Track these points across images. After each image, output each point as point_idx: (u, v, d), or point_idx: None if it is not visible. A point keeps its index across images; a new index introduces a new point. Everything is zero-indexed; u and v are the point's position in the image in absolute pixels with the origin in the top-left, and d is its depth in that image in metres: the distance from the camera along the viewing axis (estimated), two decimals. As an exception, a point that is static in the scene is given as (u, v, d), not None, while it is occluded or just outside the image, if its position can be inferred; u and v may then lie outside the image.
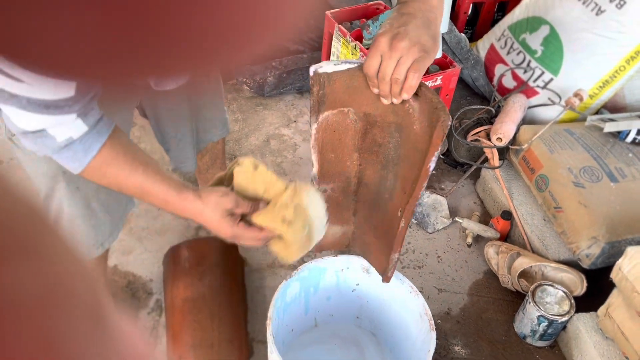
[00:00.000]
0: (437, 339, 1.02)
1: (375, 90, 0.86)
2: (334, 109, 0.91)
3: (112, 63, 0.17)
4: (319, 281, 1.14)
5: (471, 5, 2.10)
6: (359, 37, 1.68)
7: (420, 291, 1.48)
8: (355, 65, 0.86)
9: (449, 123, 0.82)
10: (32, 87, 0.71)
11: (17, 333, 0.16)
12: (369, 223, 1.05)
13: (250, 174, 0.89)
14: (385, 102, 0.87)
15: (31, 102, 0.72)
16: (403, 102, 0.86)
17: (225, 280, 1.32)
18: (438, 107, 0.83)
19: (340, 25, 1.72)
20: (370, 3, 1.82)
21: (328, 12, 1.78)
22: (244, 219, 0.89)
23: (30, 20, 0.15)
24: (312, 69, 0.87)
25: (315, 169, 0.97)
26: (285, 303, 1.07)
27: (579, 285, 1.39)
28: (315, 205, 0.90)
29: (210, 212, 0.86)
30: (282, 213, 0.85)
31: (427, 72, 1.62)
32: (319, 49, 1.96)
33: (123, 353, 0.20)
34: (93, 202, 1.06)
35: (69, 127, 0.78)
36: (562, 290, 1.35)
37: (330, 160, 0.97)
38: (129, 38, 0.16)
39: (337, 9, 1.81)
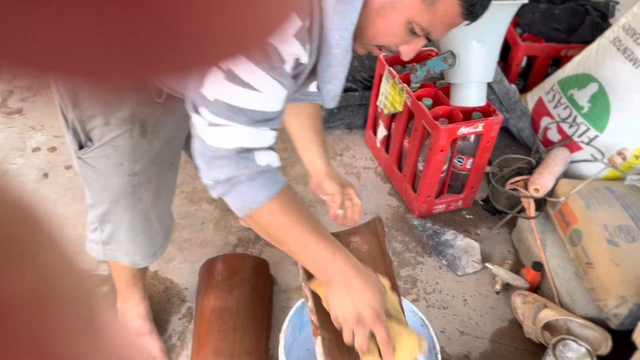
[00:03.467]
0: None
1: None
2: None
3: (111, 62, 0.16)
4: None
5: (525, 58, 2.14)
6: (406, 80, 1.76)
7: (442, 331, 1.51)
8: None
9: (380, 219, 1.06)
10: (262, 96, 0.80)
11: (9, 335, 0.16)
12: None
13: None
14: None
15: (254, 115, 0.81)
16: None
17: (253, 296, 1.39)
18: (369, 223, 1.09)
19: (390, 68, 1.80)
20: (423, 48, 1.90)
21: (381, 55, 1.87)
22: None
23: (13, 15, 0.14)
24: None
25: None
26: (302, 321, 1.13)
27: (604, 344, 1.37)
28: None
29: (379, 282, 0.91)
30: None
31: (470, 118, 1.67)
32: (369, 89, 2.05)
33: (113, 353, 0.21)
34: (151, 213, 1.15)
35: (269, 155, 0.86)
36: (586, 347, 1.33)
37: None
38: (126, 36, 0.16)
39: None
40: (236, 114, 0.80)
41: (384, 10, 0.83)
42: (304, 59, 0.83)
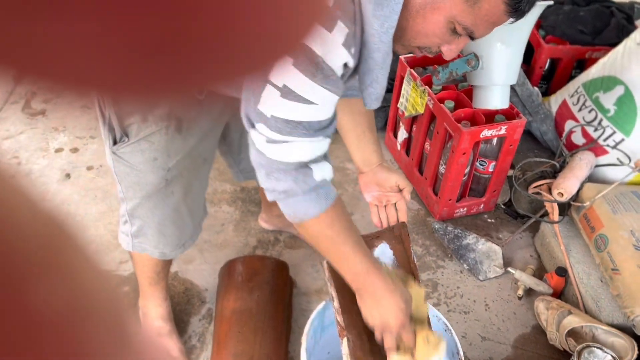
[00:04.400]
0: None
1: None
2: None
3: (146, 75, 0.16)
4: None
5: (548, 60, 2.11)
6: (428, 82, 1.74)
7: (463, 336, 1.49)
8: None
9: (405, 224, 1.06)
10: (317, 108, 0.82)
11: (43, 351, 0.16)
12: None
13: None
14: None
15: (311, 126, 0.84)
16: None
17: (273, 298, 1.39)
18: (393, 228, 1.08)
19: (411, 70, 1.79)
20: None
21: (402, 57, 1.86)
22: None
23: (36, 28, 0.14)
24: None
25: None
26: (323, 324, 1.12)
27: (630, 352, 1.33)
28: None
29: (405, 295, 0.96)
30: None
31: (493, 121, 1.65)
32: (390, 91, 2.04)
33: None
34: (182, 206, 1.16)
35: (325, 168, 0.89)
36: (611, 355, 1.31)
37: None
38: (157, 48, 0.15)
39: (411, 54, 1.88)
40: (294, 128, 0.83)
41: (424, 11, 0.82)
42: (351, 63, 0.83)
